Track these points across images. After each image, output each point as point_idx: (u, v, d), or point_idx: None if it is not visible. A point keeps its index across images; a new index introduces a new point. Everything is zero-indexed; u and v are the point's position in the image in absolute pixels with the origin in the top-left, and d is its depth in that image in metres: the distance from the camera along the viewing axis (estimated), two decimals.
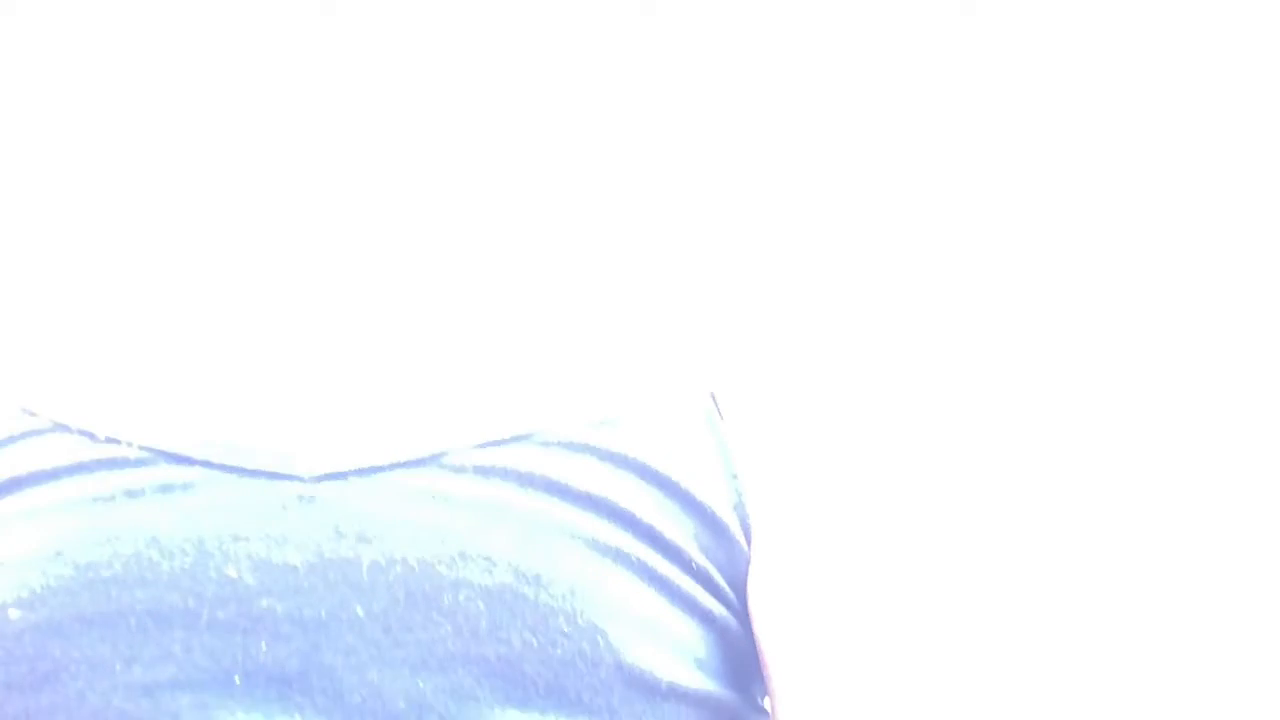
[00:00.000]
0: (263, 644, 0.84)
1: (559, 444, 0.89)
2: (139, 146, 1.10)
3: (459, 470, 0.87)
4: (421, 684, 0.84)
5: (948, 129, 1.74)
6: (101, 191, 1.14)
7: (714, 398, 0.95)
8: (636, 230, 1.24)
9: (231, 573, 0.84)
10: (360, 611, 0.84)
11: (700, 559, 0.89)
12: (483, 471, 0.87)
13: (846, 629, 0.90)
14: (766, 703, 0.95)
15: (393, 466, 0.87)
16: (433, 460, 0.87)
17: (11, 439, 0.89)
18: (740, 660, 0.91)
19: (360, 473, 0.87)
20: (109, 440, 0.88)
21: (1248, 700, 1.67)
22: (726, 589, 0.90)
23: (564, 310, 0.99)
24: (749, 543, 0.91)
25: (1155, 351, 1.73)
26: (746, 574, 0.91)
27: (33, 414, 0.90)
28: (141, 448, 0.87)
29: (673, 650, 0.87)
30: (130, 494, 0.86)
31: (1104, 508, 1.65)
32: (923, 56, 1.73)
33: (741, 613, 0.91)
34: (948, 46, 1.73)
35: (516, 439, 0.89)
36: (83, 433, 0.88)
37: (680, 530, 0.88)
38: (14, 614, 0.84)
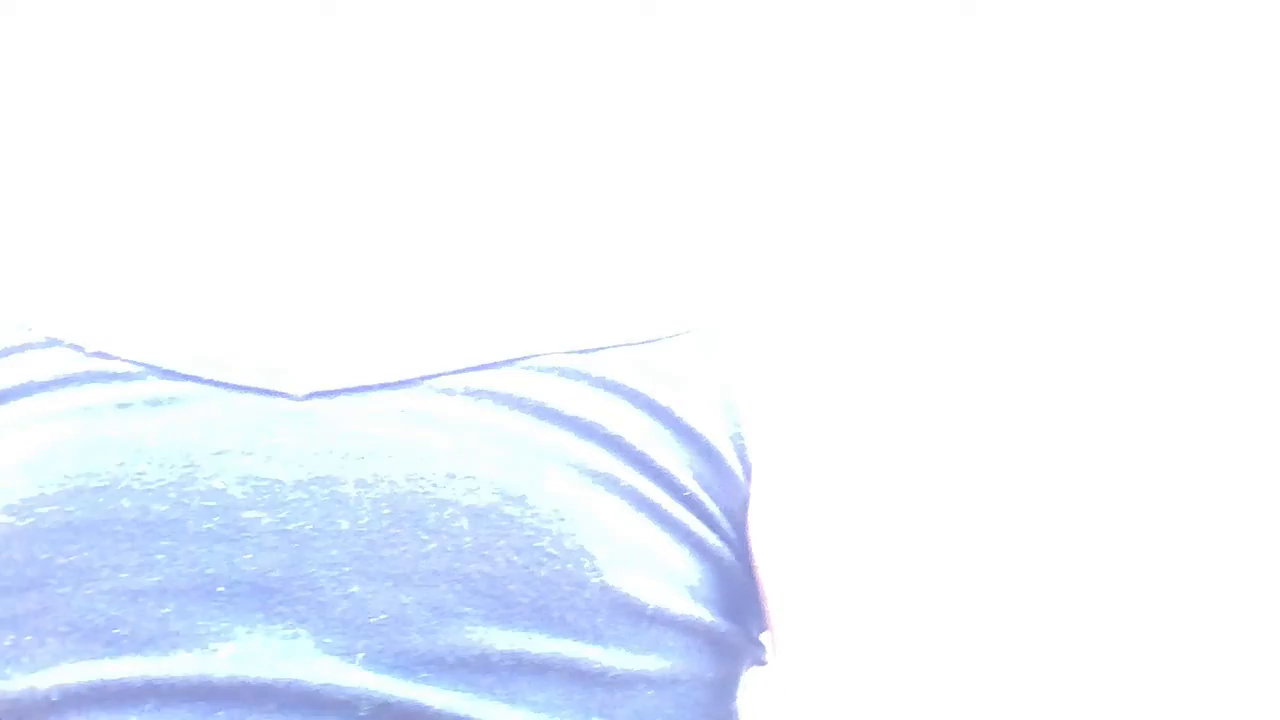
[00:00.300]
0: (247, 554, 0.84)
1: (551, 369, 0.89)
2: (138, 85, 1.12)
3: (449, 392, 0.87)
4: (403, 598, 0.84)
5: (948, 128, 1.75)
6: (99, 115, 1.15)
7: (712, 328, 0.95)
8: (634, 159, 1.25)
9: (218, 484, 0.85)
10: (345, 525, 0.85)
11: (693, 487, 0.88)
12: (473, 394, 0.87)
13: (848, 562, 0.90)
14: (764, 637, 0.94)
15: (383, 386, 0.88)
16: (423, 381, 0.88)
17: (5, 352, 0.90)
18: (734, 590, 0.91)
19: (350, 391, 0.88)
20: (100, 354, 0.89)
21: (1241, 698, 1.66)
22: (721, 518, 0.89)
23: (560, 236, 1.00)
24: (746, 474, 0.90)
25: (1152, 344, 1.73)
26: (742, 505, 0.90)
27: (26, 328, 0.91)
28: (132, 362, 0.88)
29: (661, 576, 0.87)
30: (120, 406, 0.86)
31: (1096, 449, 1.65)
32: (923, 56, 1.75)
33: (737, 543, 0.90)
34: (948, 46, 1.74)
35: (508, 362, 0.89)
36: (74, 346, 0.89)
37: (673, 458, 0.88)
38: (3, 520, 0.85)
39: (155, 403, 0.87)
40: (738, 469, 0.90)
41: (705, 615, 0.89)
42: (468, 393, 0.87)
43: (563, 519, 0.85)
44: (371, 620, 0.84)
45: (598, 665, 0.85)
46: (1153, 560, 1.61)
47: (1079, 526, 1.56)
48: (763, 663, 0.95)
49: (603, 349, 0.90)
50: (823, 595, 0.89)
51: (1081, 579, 1.53)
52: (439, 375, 0.88)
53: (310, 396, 0.88)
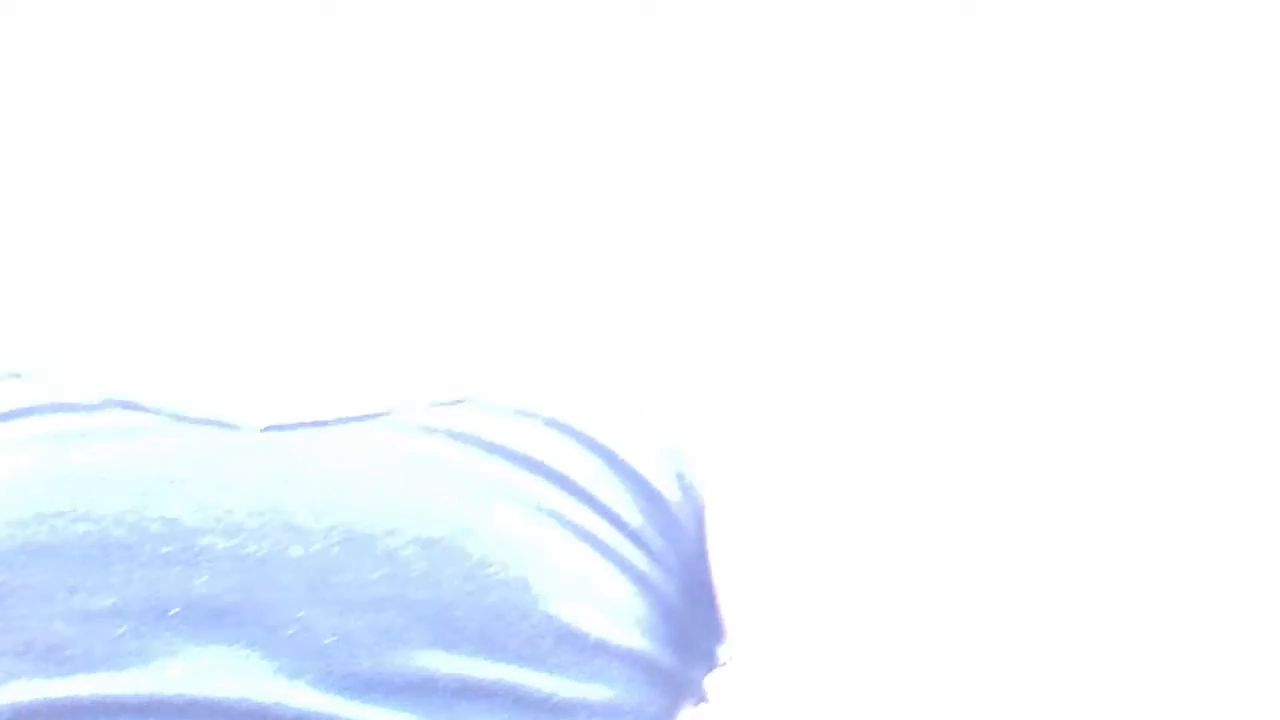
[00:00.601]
0: (201, 578, 0.87)
1: (503, 408, 0.92)
2: (112, 117, 1.14)
3: (404, 428, 0.90)
4: (352, 622, 0.86)
5: (947, 129, 1.75)
6: (73, 155, 1.17)
7: (657, 369, 0.98)
8: (588, 209, 1.27)
9: (175, 511, 0.88)
10: (297, 552, 0.87)
11: (638, 523, 0.91)
12: (427, 430, 0.90)
13: (810, 584, 0.93)
14: (708, 677, 0.97)
15: (339, 421, 0.91)
16: (379, 417, 0.91)
17: None
18: (678, 624, 0.94)
19: (307, 425, 0.91)
20: (66, 386, 0.92)
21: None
22: (665, 555, 0.92)
23: (514, 281, 1.02)
24: (695, 512, 0.93)
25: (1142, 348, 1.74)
26: (688, 543, 0.93)
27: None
28: (97, 394, 0.91)
29: (605, 608, 0.90)
30: (83, 436, 0.90)
31: (1046, 479, 1.66)
32: (923, 56, 1.75)
33: (681, 579, 0.93)
34: (948, 46, 1.75)
35: (461, 401, 0.92)
36: (41, 379, 0.92)
37: (617, 496, 0.91)
38: None
39: (118, 433, 0.90)
40: (683, 508, 0.93)
41: (648, 648, 0.92)
42: (422, 429, 0.91)
43: (509, 550, 0.88)
44: (321, 642, 0.86)
45: (541, 692, 0.88)
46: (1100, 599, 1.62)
47: (1026, 564, 1.57)
48: (704, 700, 0.98)
49: (553, 389, 0.94)
50: (787, 616, 0.92)
51: (1036, 600, 1.54)
52: (395, 412, 0.91)
53: (268, 429, 0.90)
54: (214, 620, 0.86)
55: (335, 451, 0.89)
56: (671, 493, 0.92)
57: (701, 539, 0.93)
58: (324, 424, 0.90)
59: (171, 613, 0.86)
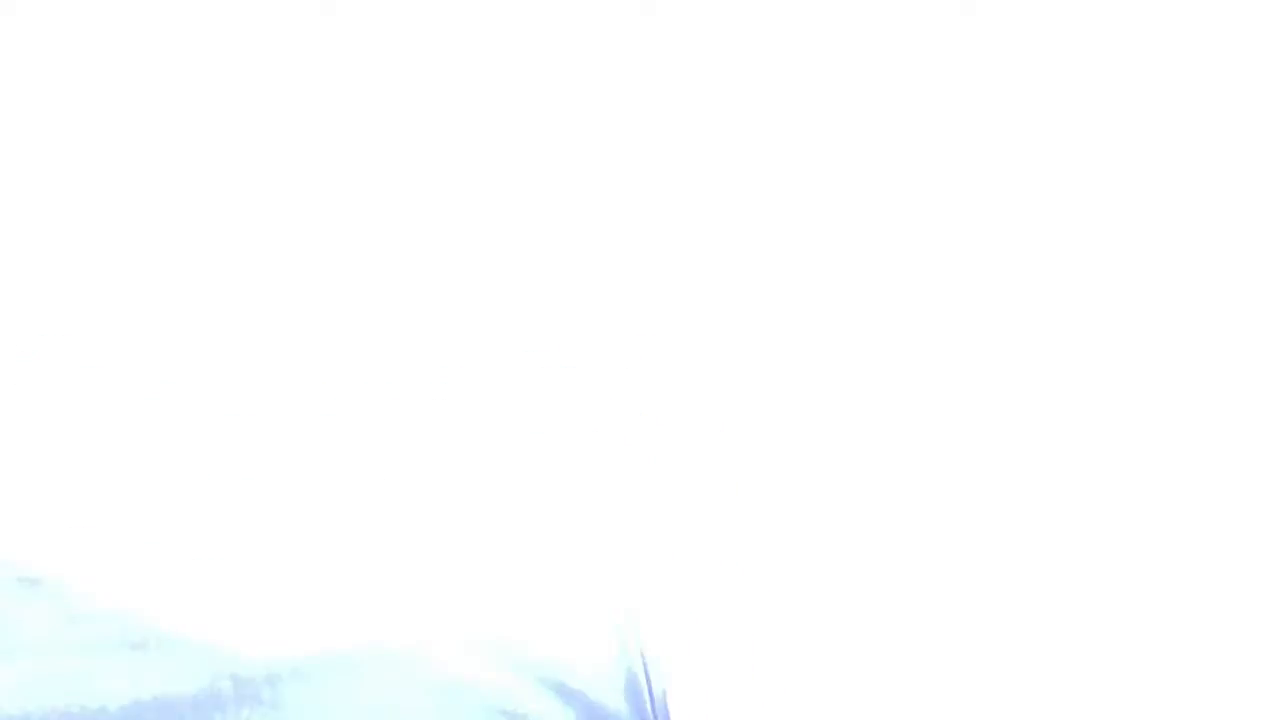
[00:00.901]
0: None
1: (473, 647, 1.03)
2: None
3: (379, 665, 1.01)
4: None
5: (947, 129, 1.75)
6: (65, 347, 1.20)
7: (623, 607, 1.07)
8: (559, 450, 1.31)
9: None
10: None
11: None
12: (392, 664, 1.01)
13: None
14: None
15: (319, 658, 1.01)
16: (354, 656, 1.02)
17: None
18: None
19: (293, 661, 1.01)
20: (83, 600, 0.99)
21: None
22: None
23: (492, 521, 1.09)
24: (647, 700, 1.05)
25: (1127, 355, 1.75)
26: None
27: (20, 568, 1.02)
28: (106, 613, 1.00)
29: None
30: (92, 650, 0.99)
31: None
32: (923, 56, 1.74)
33: None
34: (948, 46, 1.74)
35: (433, 640, 1.02)
36: (63, 593, 1.00)
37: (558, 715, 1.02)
38: None
39: (124, 650, 0.98)
40: (628, 708, 1.03)
41: None
42: (389, 662, 1.02)
43: None
44: None
45: None
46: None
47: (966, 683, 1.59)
48: None
49: (519, 630, 1.06)
50: None
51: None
52: (370, 648, 1.03)
53: (258, 665, 1.01)
54: None
55: (316, 688, 0.99)
56: (616, 699, 1.03)
57: None
58: (307, 660, 1.00)
59: None
